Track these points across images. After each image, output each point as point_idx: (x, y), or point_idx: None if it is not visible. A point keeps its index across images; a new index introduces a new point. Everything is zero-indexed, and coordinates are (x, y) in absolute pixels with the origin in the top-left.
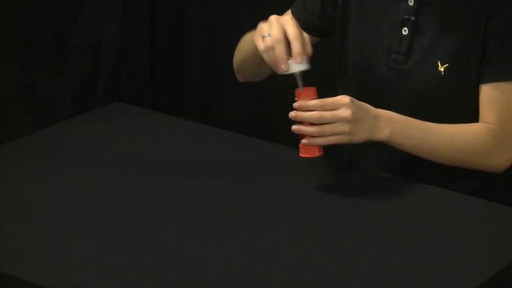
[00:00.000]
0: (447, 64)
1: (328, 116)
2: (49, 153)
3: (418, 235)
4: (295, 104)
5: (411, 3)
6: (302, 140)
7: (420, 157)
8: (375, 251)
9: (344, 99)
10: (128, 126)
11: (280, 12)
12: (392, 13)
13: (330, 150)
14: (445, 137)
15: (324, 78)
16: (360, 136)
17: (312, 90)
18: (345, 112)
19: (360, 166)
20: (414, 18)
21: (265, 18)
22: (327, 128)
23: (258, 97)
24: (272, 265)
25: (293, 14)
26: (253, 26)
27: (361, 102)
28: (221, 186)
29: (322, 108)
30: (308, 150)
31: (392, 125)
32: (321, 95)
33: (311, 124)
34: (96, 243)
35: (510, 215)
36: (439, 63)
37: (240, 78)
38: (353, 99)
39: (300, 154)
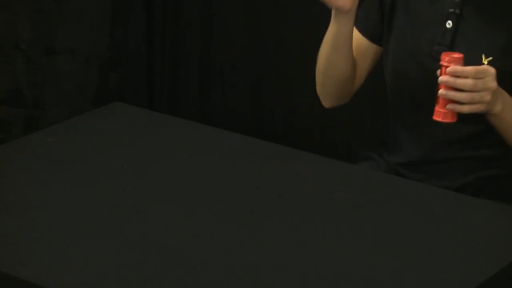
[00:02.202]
0: (491, 58)
1: (481, 85)
2: (49, 153)
3: (418, 235)
4: (450, 69)
5: None
6: (448, 106)
7: (422, 159)
8: (375, 251)
9: (491, 69)
10: (128, 126)
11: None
12: (436, 7)
13: (326, 149)
14: None
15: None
16: (491, 107)
17: (460, 56)
18: (493, 83)
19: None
20: (459, 11)
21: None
22: (476, 96)
23: (258, 97)
24: (272, 265)
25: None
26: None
27: None
28: (221, 185)
29: (476, 75)
30: (448, 115)
31: (504, 101)
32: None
33: (456, 89)
34: (96, 243)
35: (510, 215)
36: (483, 56)
37: (327, 99)
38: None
39: (438, 118)
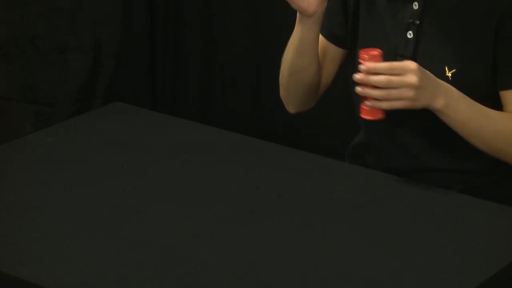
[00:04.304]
0: (455, 70)
1: (396, 81)
2: (49, 153)
3: (418, 235)
4: (362, 67)
5: (415, 7)
6: (366, 102)
7: (420, 159)
8: (375, 251)
9: (411, 64)
10: (128, 126)
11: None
12: (398, 16)
13: (326, 149)
14: (491, 119)
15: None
16: (421, 102)
17: (379, 52)
18: (412, 78)
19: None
20: (418, 22)
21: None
22: (394, 93)
23: (258, 97)
24: (272, 265)
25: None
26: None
27: (425, 69)
28: (221, 186)
29: (391, 71)
30: (371, 112)
31: (449, 97)
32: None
33: (376, 86)
34: (96, 243)
35: (510, 215)
36: (446, 68)
37: (291, 104)
38: (419, 65)
39: (363, 116)
